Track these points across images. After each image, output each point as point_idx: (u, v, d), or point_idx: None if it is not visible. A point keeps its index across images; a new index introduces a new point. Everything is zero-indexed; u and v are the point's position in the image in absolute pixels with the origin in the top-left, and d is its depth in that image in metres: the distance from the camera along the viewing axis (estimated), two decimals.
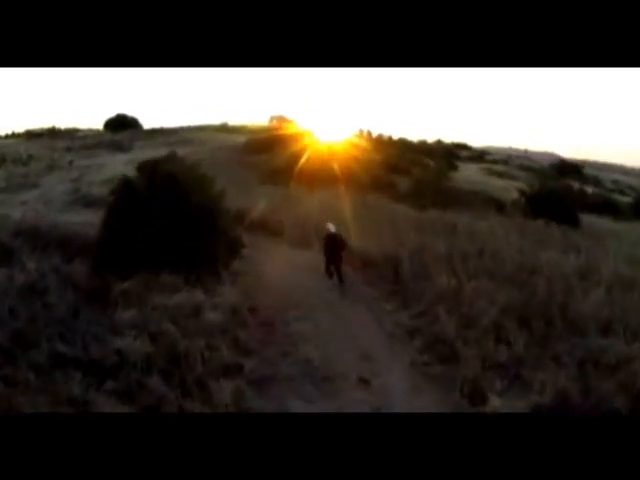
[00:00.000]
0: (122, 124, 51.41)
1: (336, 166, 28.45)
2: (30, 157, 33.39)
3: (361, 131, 57.30)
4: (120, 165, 30.37)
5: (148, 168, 11.81)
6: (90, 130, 62.22)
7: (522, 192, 26.89)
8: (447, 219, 20.57)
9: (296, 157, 29.13)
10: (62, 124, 70.59)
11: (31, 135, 50.82)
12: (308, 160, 28.75)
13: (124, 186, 11.66)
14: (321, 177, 26.75)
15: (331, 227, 13.12)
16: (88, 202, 20.18)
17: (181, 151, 38.08)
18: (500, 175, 43.79)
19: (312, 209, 20.13)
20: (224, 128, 53.30)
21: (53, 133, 49.76)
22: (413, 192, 28.28)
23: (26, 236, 15.87)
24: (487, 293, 10.61)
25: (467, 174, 41.21)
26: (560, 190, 28.05)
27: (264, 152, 33.87)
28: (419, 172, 35.15)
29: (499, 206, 26.38)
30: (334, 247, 12.66)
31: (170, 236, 10.87)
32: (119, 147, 40.49)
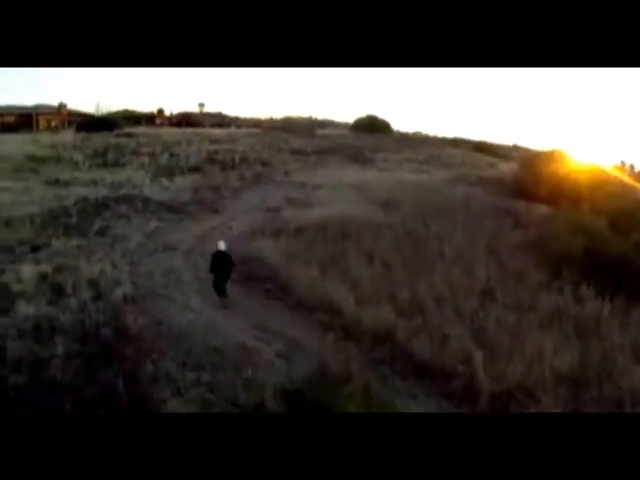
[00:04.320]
0: (371, 127, 46.60)
1: None
2: (243, 160, 27.80)
3: (623, 164, 42.14)
4: (346, 190, 22.38)
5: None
6: (341, 125, 58.26)
7: None
8: None
9: (591, 225, 16.63)
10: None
11: (270, 127, 47.52)
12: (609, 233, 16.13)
13: None
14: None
15: (221, 245, 12.29)
16: (253, 274, 12.93)
17: (426, 174, 29.61)
18: None
19: None
20: (480, 147, 45.66)
21: (291, 128, 45.35)
22: None
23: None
24: None
25: None
26: None
27: (538, 198, 22.06)
28: None
29: None
30: (223, 265, 11.87)
31: None
32: (357, 157, 33.49)
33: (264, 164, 27.84)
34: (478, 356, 9.10)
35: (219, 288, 12.01)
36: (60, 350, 8.87)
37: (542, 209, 20.35)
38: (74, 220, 16.37)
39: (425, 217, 18.17)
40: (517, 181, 26.10)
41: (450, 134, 53.82)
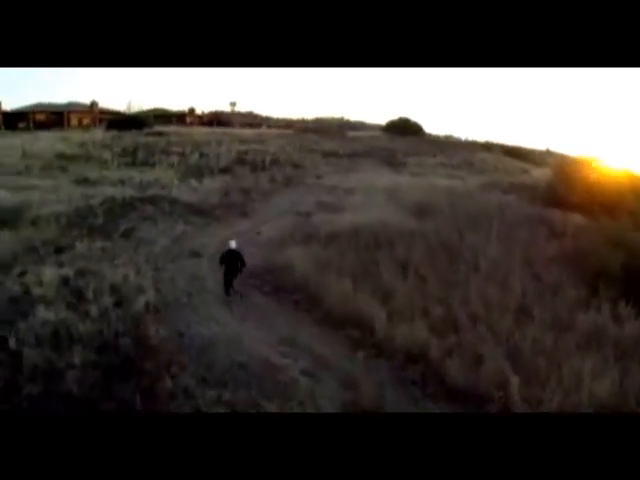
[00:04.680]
0: (403, 129, 46.40)
1: None
2: (274, 162, 27.45)
3: None
4: (379, 195, 21.67)
5: None
6: (372, 127, 57.79)
7: None
8: None
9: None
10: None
11: (301, 128, 47.31)
12: None
13: None
14: None
15: (232, 244, 12.63)
16: (281, 284, 12.36)
17: (460, 180, 28.48)
18: None
19: None
20: (513, 152, 45.27)
21: (323, 129, 45.02)
22: None
23: None
24: None
25: None
26: None
27: (572, 207, 20.72)
28: None
29: None
30: (232, 262, 12.20)
31: None
32: (389, 160, 33.01)
33: (295, 166, 27.47)
34: (514, 380, 8.50)
35: (228, 284, 12.11)
36: (77, 360, 8.52)
37: (577, 218, 19.25)
38: (100, 221, 16.12)
39: (459, 225, 17.38)
40: (551, 188, 24.61)
41: (480, 137, 53.76)
